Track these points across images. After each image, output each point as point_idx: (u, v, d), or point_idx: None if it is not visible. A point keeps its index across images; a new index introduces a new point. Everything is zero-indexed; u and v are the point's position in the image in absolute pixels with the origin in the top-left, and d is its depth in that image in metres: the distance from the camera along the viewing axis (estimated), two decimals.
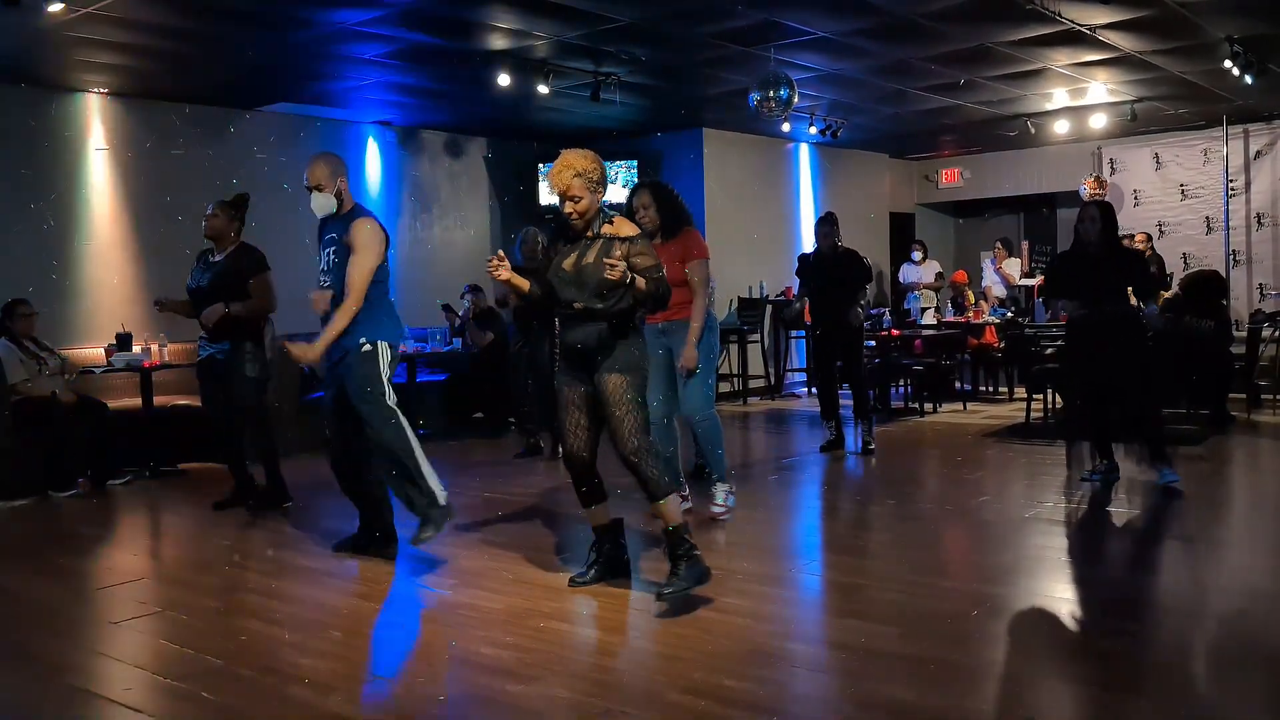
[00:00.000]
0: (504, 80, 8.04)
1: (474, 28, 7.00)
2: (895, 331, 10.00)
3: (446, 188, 10.47)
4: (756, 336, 10.95)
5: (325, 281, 4.75)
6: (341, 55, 7.54)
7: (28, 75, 7.70)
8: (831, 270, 7.43)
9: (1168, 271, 10.58)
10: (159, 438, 7.29)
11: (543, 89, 8.28)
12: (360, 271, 4.64)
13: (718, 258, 10.81)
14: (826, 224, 7.53)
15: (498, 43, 7.35)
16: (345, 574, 4.66)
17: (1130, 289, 5.82)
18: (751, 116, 8.39)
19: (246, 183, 8.98)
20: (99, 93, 8.30)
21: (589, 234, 4.02)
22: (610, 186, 10.33)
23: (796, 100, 7.97)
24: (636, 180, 5.34)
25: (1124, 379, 5.70)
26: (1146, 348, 5.92)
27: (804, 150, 12.25)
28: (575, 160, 3.99)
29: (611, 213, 4.13)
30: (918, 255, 12.19)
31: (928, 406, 9.65)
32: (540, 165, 10.75)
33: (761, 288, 11.39)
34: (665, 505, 3.97)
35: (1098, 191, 12.39)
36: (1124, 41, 7.84)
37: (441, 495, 4.64)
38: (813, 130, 10.61)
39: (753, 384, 11.14)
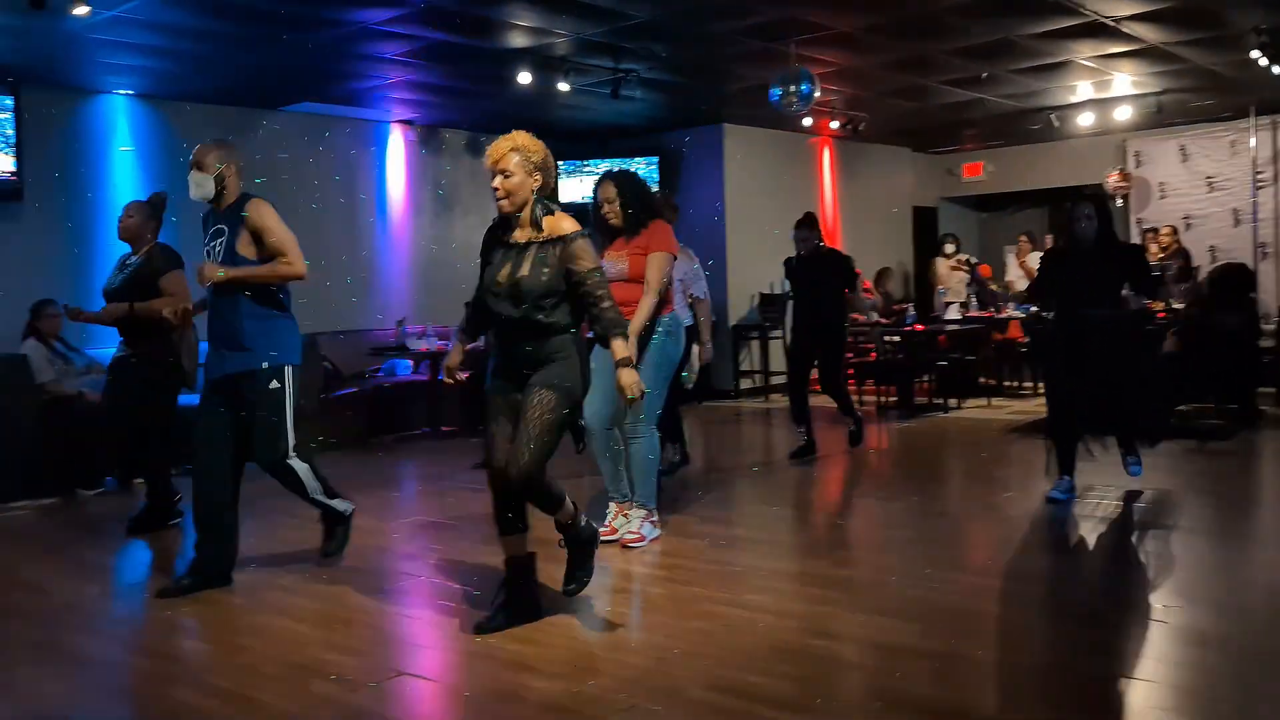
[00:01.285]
0: (524, 78, 8.06)
1: (494, 26, 7.01)
2: (919, 326, 9.95)
3: (468, 186, 10.49)
4: (779, 333, 10.91)
5: None
6: (363, 54, 7.58)
7: (56, 79, 7.78)
8: (811, 272, 7.19)
9: (1194, 265, 10.47)
10: (185, 436, 7.33)
11: (563, 86, 8.29)
12: (286, 240, 4.32)
13: (739, 253, 10.95)
14: (804, 226, 7.24)
15: (518, 40, 7.37)
16: (370, 571, 4.69)
17: (1129, 286, 5.51)
18: (772, 112, 8.36)
19: (270, 183, 9.10)
20: (125, 94, 8.37)
21: (519, 235, 3.65)
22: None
23: (818, 95, 7.95)
24: (616, 172, 4.90)
25: (1111, 385, 5.34)
26: (1138, 349, 5.57)
27: (825, 145, 12.20)
28: (518, 136, 3.66)
29: (553, 205, 3.72)
30: (950, 249, 12.09)
31: (951, 402, 9.60)
32: (560, 163, 10.76)
33: (784, 284, 11.32)
34: (562, 509, 3.72)
35: (1122, 185, 12.30)
36: (1149, 33, 7.77)
37: (345, 506, 4.66)
38: (834, 125, 10.57)
39: (775, 380, 11.10)
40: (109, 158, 8.34)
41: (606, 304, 3.61)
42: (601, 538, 4.66)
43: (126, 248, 5.63)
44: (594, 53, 7.79)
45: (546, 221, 3.65)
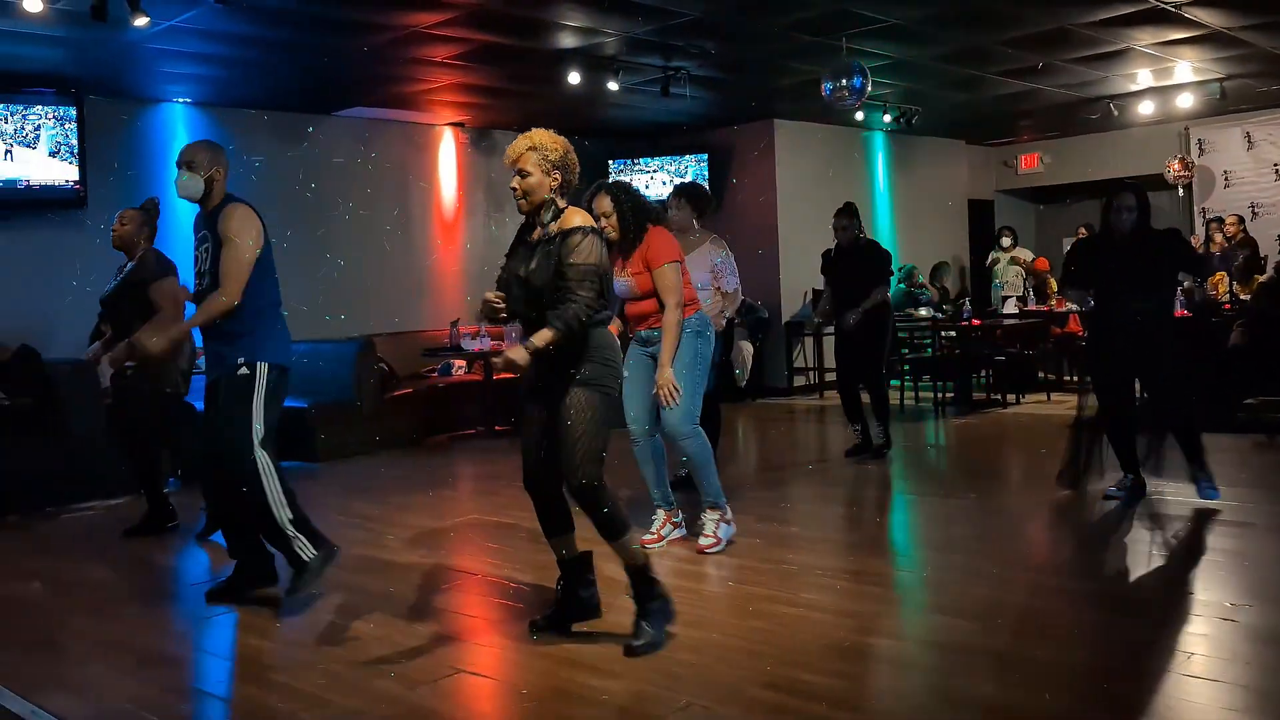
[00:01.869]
0: (574, 78, 8.08)
1: (543, 26, 7.04)
2: (976, 321, 9.82)
3: None
4: (832, 329, 10.81)
5: (203, 284, 4.22)
6: (414, 58, 7.64)
7: (117, 88, 7.96)
8: (851, 264, 7.00)
9: (1262, 255, 10.21)
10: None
11: (612, 86, 8.30)
12: (235, 260, 4.09)
13: (791, 250, 10.87)
14: (844, 215, 7.05)
15: (567, 41, 7.39)
16: (427, 570, 4.73)
17: (1180, 271, 5.30)
18: (824, 106, 8.30)
19: (324, 187, 9.24)
20: (182, 102, 8.53)
21: (537, 233, 3.54)
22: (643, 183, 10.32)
23: (870, 89, 7.87)
24: (609, 183, 4.60)
25: (1150, 379, 5.21)
26: (1178, 344, 5.36)
27: (878, 139, 12.09)
28: (536, 134, 3.53)
29: (564, 206, 3.57)
30: (1007, 241, 11.92)
31: (1010, 397, 9.46)
32: (610, 162, 10.78)
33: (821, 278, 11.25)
34: (624, 543, 3.54)
35: (1182, 174, 12.03)
36: (1211, 18, 7.58)
37: (309, 553, 4.13)
38: (887, 118, 10.47)
39: (828, 377, 11.02)
40: (168, 165, 8.50)
41: (573, 298, 3.40)
42: (645, 545, 4.67)
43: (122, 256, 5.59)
44: (643, 51, 7.78)
45: (562, 217, 3.55)
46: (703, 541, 4.76)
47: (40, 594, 4.68)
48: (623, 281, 4.58)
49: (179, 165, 4.26)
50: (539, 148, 3.49)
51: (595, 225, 3.61)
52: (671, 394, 4.43)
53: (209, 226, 4.22)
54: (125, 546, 5.47)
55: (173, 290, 5.41)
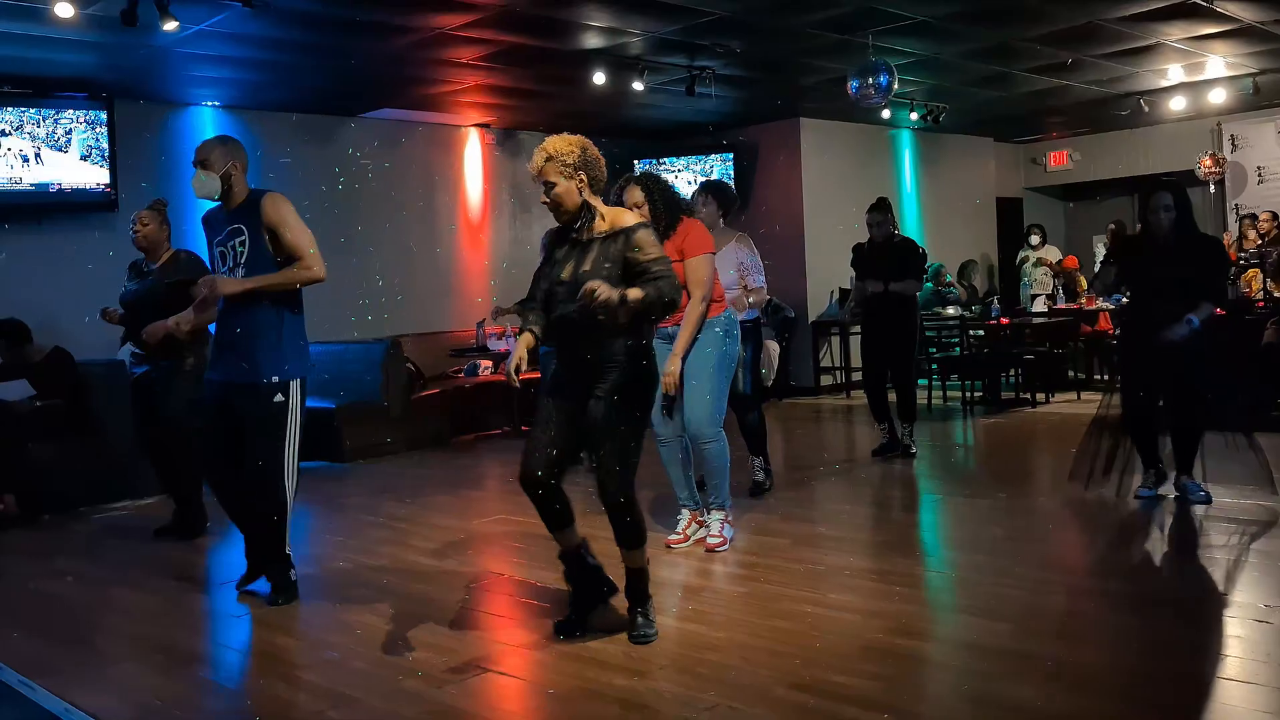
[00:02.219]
0: (599, 78, 8.08)
1: (568, 27, 7.05)
2: (1005, 320, 9.74)
3: None
4: (858, 328, 10.77)
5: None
6: (440, 60, 7.67)
7: (147, 92, 8.04)
8: (886, 260, 6.90)
9: None
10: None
11: (637, 86, 8.29)
12: (306, 236, 4.16)
13: (818, 248, 10.83)
14: (878, 211, 6.94)
15: (592, 41, 7.39)
16: (454, 569, 4.74)
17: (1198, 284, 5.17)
18: (850, 105, 8.26)
19: (351, 188, 9.29)
20: (211, 106, 8.61)
21: (580, 234, 3.54)
22: (681, 179, 10.30)
23: (897, 86, 7.82)
24: (640, 174, 4.69)
25: (1173, 380, 5.13)
26: (1201, 350, 5.19)
27: (905, 137, 12.02)
28: (549, 142, 3.50)
29: (599, 206, 3.58)
30: (1035, 239, 11.82)
31: (1039, 396, 9.38)
32: (635, 162, 10.77)
33: (850, 273, 11.19)
34: (641, 551, 3.60)
35: (1213, 170, 11.88)
36: (1244, 12, 7.48)
37: (293, 574, 4.31)
38: (914, 116, 10.40)
39: (855, 376, 10.96)
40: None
41: (665, 281, 3.41)
42: (672, 545, 4.78)
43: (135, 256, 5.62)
44: (668, 51, 7.78)
45: (608, 214, 3.56)
46: (712, 540, 4.78)
47: (73, 592, 4.73)
48: None
49: (195, 165, 4.26)
50: (555, 156, 3.47)
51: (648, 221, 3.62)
52: (676, 385, 4.50)
53: (242, 220, 4.19)
54: (158, 545, 5.51)
55: None
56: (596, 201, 3.56)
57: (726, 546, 4.79)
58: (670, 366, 4.49)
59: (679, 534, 4.89)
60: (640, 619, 3.62)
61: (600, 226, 3.52)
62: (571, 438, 3.55)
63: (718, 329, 4.70)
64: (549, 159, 3.47)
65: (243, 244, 4.18)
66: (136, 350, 5.52)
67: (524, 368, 3.54)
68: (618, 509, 3.49)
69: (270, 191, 4.27)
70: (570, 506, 3.64)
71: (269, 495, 4.19)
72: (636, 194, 4.47)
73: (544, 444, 3.53)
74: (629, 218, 3.56)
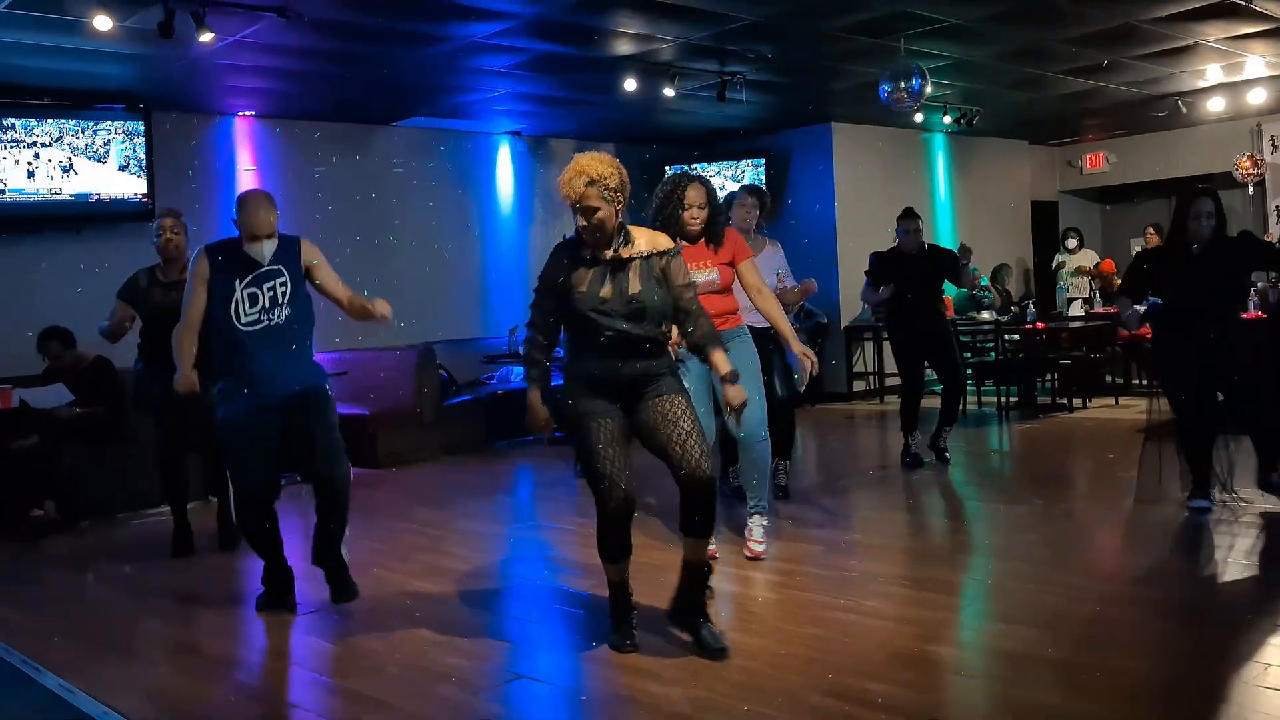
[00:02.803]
0: (630, 85, 8.09)
1: (599, 34, 7.06)
2: (1040, 325, 9.65)
3: None
4: (888, 337, 10.70)
5: (279, 317, 4.25)
6: (472, 68, 7.71)
7: (184, 102, 8.14)
8: (917, 268, 6.80)
9: None
10: None
11: (668, 92, 8.29)
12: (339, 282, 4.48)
13: (850, 254, 10.77)
14: (909, 219, 6.88)
15: (623, 48, 7.40)
16: (488, 576, 4.75)
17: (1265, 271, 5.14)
18: (882, 109, 8.21)
19: (384, 197, 9.36)
20: (246, 115, 8.71)
21: (608, 253, 3.50)
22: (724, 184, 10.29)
23: (929, 90, 7.77)
24: (695, 177, 4.63)
25: (1226, 385, 5.04)
26: (1260, 350, 5.16)
27: (938, 141, 11.94)
28: (588, 164, 3.43)
29: (631, 227, 3.61)
30: (1072, 243, 11.70)
31: (1076, 402, 9.27)
32: (666, 168, 10.77)
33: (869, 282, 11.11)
34: (707, 541, 3.65)
35: (1252, 172, 11.71)
36: None
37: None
38: (947, 120, 10.33)
39: (889, 382, 10.90)
40: (233, 177, 8.68)
41: (703, 319, 3.59)
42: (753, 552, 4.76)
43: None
44: (699, 56, 7.77)
45: (636, 233, 3.56)
46: (757, 547, 4.74)
47: (110, 597, 4.79)
48: (708, 274, 4.53)
49: (256, 236, 4.28)
50: (597, 180, 3.41)
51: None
52: (816, 362, 4.50)
53: (280, 262, 4.30)
54: (195, 551, 5.56)
55: None
56: (623, 225, 3.57)
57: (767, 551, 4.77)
58: (793, 347, 4.56)
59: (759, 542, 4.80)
60: (711, 627, 3.56)
61: (639, 246, 3.53)
62: (629, 453, 3.54)
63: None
64: (590, 182, 3.40)
65: (284, 284, 4.30)
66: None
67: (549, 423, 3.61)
68: (710, 490, 3.50)
69: (297, 236, 4.46)
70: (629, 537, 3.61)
71: (345, 466, 4.35)
72: (700, 194, 4.47)
73: (621, 465, 3.48)
74: (664, 241, 3.62)
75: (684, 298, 3.57)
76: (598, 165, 3.44)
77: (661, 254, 3.55)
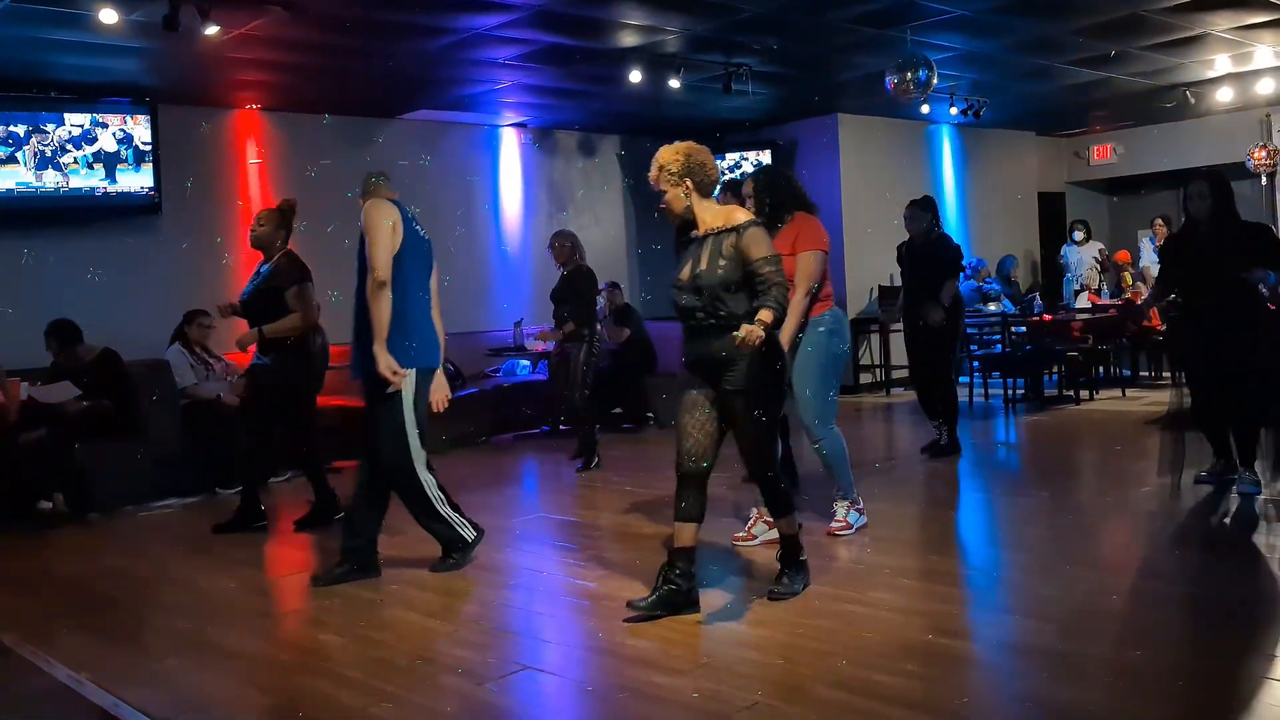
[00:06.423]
0: (635, 77, 8.07)
1: (605, 26, 7.04)
2: (1048, 317, 9.62)
3: (581, 186, 10.60)
4: (900, 325, 10.68)
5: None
6: (477, 60, 7.70)
7: (189, 95, 8.14)
8: (921, 260, 6.81)
9: None
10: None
11: (674, 84, 8.27)
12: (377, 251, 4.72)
13: (857, 245, 10.74)
14: (915, 208, 6.86)
15: (628, 40, 7.38)
16: (494, 568, 4.75)
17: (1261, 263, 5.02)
18: (889, 100, 8.19)
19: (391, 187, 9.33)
20: (252, 108, 8.70)
21: (697, 231, 3.82)
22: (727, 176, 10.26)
23: (935, 81, 7.74)
24: (758, 169, 4.85)
25: (1241, 370, 5.01)
26: (1267, 330, 5.10)
27: (945, 132, 11.90)
28: (661, 153, 3.86)
29: (712, 204, 3.88)
30: (1079, 235, 11.65)
31: (1084, 394, 9.25)
32: None
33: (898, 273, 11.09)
34: (788, 521, 3.95)
35: (1265, 163, 11.66)
36: None
37: (469, 532, 4.65)
38: (953, 111, 10.29)
39: (895, 375, 10.89)
40: (239, 170, 8.68)
41: (776, 289, 3.65)
42: (834, 532, 4.90)
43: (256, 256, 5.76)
44: (705, 48, 7.75)
45: (720, 211, 3.82)
46: (834, 525, 4.88)
47: (119, 590, 4.80)
48: None
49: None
50: (662, 167, 3.81)
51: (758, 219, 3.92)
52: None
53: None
54: (203, 543, 5.58)
55: (308, 296, 5.53)
56: (708, 202, 3.84)
57: (850, 532, 4.87)
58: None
59: (840, 520, 4.91)
60: (785, 578, 3.97)
61: (711, 223, 3.78)
62: (717, 422, 3.77)
63: (821, 328, 4.74)
64: (660, 168, 3.82)
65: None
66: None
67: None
68: (765, 484, 3.85)
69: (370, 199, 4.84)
70: (705, 504, 3.81)
71: (404, 485, 4.67)
72: (749, 185, 4.79)
73: (698, 425, 3.76)
74: (740, 215, 3.80)
75: (761, 271, 3.67)
76: (665, 153, 3.83)
77: (730, 230, 3.73)
